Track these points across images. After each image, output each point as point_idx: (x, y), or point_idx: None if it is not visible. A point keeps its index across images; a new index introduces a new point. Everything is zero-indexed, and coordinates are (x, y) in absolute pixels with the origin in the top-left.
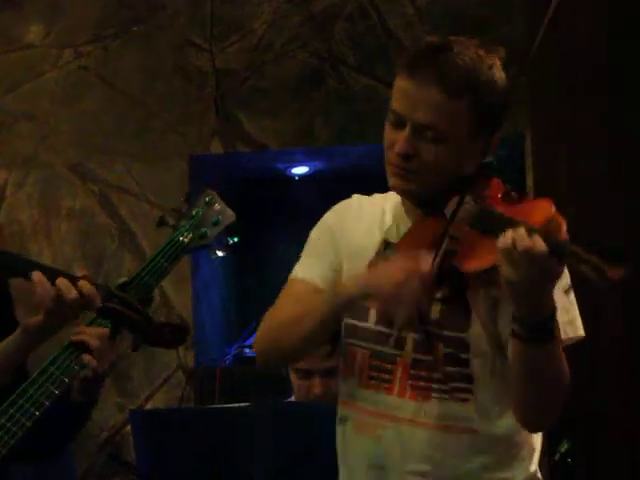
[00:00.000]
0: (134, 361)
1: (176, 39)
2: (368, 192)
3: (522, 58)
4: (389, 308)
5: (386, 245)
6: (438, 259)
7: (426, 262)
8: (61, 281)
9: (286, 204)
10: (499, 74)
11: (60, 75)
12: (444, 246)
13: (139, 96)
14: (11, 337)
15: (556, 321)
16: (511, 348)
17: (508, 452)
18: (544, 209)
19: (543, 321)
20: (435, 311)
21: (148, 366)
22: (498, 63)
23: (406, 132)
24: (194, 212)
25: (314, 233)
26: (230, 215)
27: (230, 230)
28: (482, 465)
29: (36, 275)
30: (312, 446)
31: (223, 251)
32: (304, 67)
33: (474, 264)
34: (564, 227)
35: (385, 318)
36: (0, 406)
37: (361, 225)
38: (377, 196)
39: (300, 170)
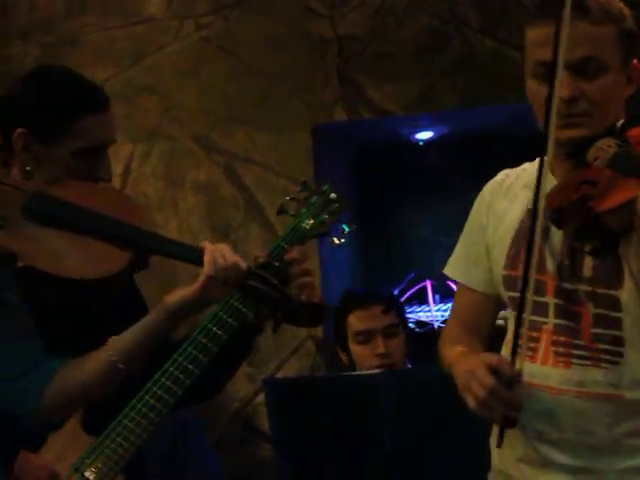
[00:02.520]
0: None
1: (296, 7)
2: (494, 155)
3: None
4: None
5: (530, 214)
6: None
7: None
8: (214, 252)
9: (410, 170)
10: (622, 4)
11: (181, 47)
12: (582, 192)
13: (261, 65)
14: (146, 319)
15: None
16: None
17: None
18: None
19: None
20: (587, 267)
21: (277, 336)
22: None
23: (564, 77)
24: (313, 200)
25: (467, 226)
26: (346, 204)
27: (345, 219)
28: (628, 432)
29: (207, 257)
30: (443, 413)
31: (339, 239)
32: (427, 30)
33: (609, 202)
34: None
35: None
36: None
37: (508, 204)
38: (526, 165)
39: (424, 135)
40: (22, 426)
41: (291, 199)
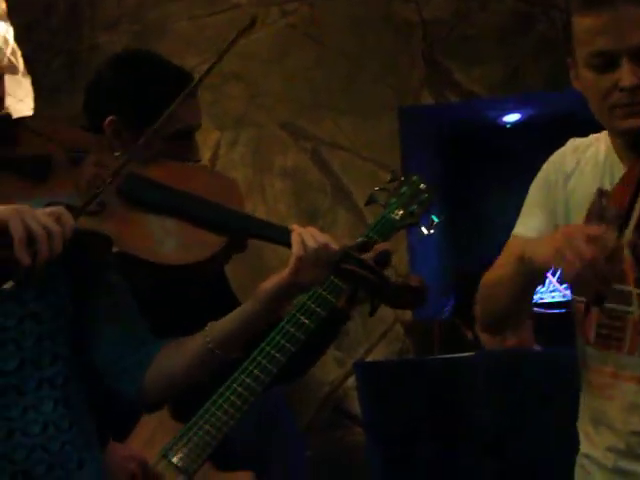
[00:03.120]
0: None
1: None
2: (581, 137)
3: None
4: (576, 283)
5: (600, 194)
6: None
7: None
8: (303, 233)
9: (498, 153)
10: None
11: (267, 34)
12: None
13: (346, 51)
14: (243, 306)
15: None
16: None
17: None
18: None
19: None
20: None
21: (365, 321)
22: None
23: (625, 65)
24: (402, 190)
25: (532, 187)
26: (433, 195)
27: (434, 210)
28: None
29: (295, 237)
30: (535, 394)
31: (428, 230)
32: (513, 12)
33: None
34: None
35: (577, 290)
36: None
37: (577, 174)
38: (592, 138)
39: (511, 118)
40: (123, 408)
41: (380, 189)
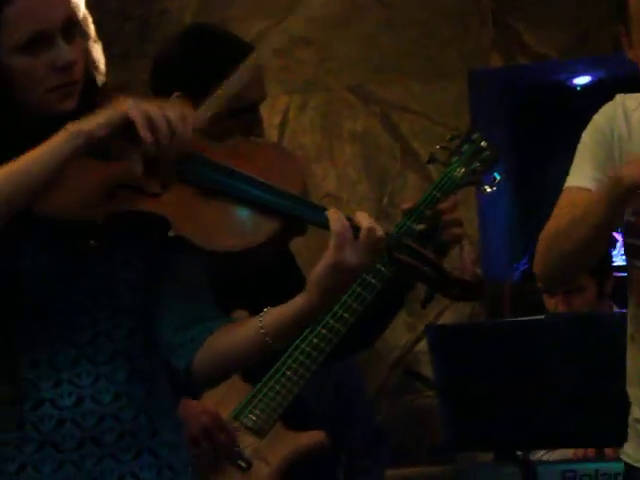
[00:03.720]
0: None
1: None
2: None
3: None
4: None
5: None
6: None
7: None
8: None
9: (569, 116)
10: None
11: None
12: None
13: (414, 14)
14: (299, 297)
15: None
16: None
17: None
18: None
19: None
20: None
21: None
22: None
23: None
24: (463, 149)
25: (584, 137)
26: (496, 152)
27: (496, 167)
28: None
29: (332, 214)
30: (615, 358)
31: (491, 187)
32: None
33: None
34: None
35: None
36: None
37: (630, 125)
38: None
39: (582, 80)
40: (177, 380)
41: (442, 148)
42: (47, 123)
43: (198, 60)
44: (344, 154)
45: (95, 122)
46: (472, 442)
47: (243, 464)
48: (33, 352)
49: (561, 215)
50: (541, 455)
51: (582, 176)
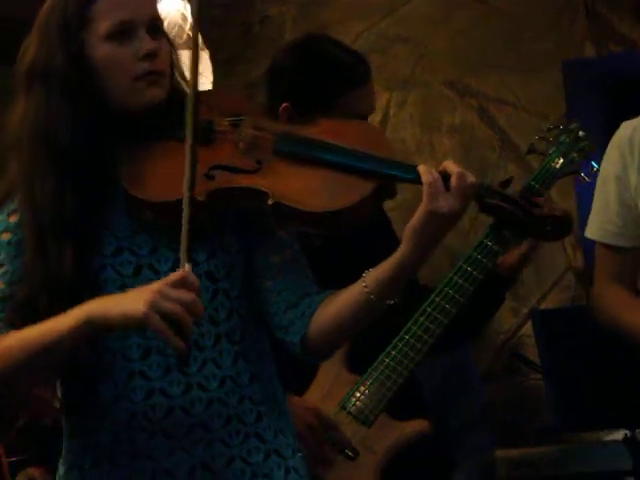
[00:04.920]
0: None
1: None
2: None
3: None
4: None
5: None
6: None
7: None
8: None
9: None
10: None
11: None
12: None
13: (508, 9)
14: (397, 252)
15: None
16: None
17: None
18: None
19: None
20: None
21: (538, 269)
22: None
23: None
24: (561, 139)
25: (600, 180)
26: (593, 142)
27: (594, 157)
28: None
29: (421, 168)
30: None
31: (589, 177)
32: None
33: None
34: None
35: None
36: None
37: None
38: None
39: None
40: (293, 357)
41: (540, 138)
42: (135, 120)
43: (307, 72)
44: (443, 147)
45: (116, 313)
46: (578, 422)
47: (350, 453)
48: (145, 341)
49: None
50: None
51: (602, 228)
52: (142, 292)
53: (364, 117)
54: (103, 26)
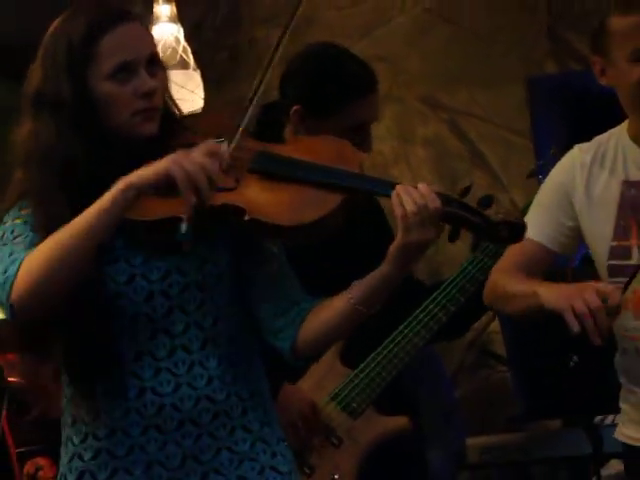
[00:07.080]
0: None
1: None
2: None
3: None
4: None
5: (629, 185)
6: None
7: None
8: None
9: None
10: None
11: (407, 19)
12: None
13: (478, 29)
14: (378, 268)
15: None
16: None
17: None
18: None
19: None
20: None
21: None
22: None
23: None
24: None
25: (548, 188)
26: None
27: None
28: None
29: (395, 199)
30: None
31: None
32: None
33: None
34: None
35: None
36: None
37: (606, 174)
38: (596, 140)
39: None
40: (284, 361)
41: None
42: (133, 146)
43: (319, 78)
44: (417, 158)
45: (146, 177)
46: (542, 411)
47: (335, 441)
48: (137, 346)
49: (509, 262)
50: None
51: (547, 236)
52: (173, 154)
53: (368, 124)
54: (106, 66)
